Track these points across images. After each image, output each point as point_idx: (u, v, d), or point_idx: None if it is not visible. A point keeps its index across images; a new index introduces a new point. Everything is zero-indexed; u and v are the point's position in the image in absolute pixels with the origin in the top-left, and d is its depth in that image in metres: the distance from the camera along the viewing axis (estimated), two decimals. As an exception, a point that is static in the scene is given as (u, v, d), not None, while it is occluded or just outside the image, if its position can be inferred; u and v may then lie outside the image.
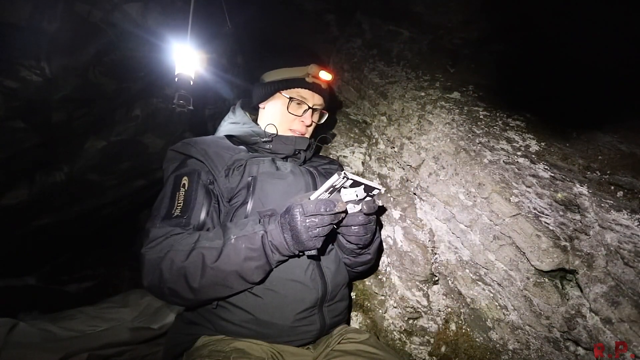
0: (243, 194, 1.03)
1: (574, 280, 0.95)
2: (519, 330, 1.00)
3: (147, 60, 1.72)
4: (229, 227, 0.91)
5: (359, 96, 1.78)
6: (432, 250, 1.25)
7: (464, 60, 1.54)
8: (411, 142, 1.40)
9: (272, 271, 0.93)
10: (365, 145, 1.69)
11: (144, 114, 1.99)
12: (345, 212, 0.87)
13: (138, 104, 1.96)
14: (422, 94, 1.49)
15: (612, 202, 0.94)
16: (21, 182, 1.80)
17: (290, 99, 1.19)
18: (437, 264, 1.22)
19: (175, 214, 0.96)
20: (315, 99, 1.22)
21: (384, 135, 1.55)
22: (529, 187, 1.05)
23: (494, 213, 1.08)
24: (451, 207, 1.19)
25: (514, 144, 1.17)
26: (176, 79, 1.17)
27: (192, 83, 1.19)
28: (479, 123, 1.27)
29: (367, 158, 1.62)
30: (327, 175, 1.20)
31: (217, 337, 0.92)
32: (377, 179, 1.52)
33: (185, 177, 1.02)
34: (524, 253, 1.01)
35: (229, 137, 1.19)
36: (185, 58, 1.19)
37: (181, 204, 0.97)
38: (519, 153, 1.14)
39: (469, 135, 1.24)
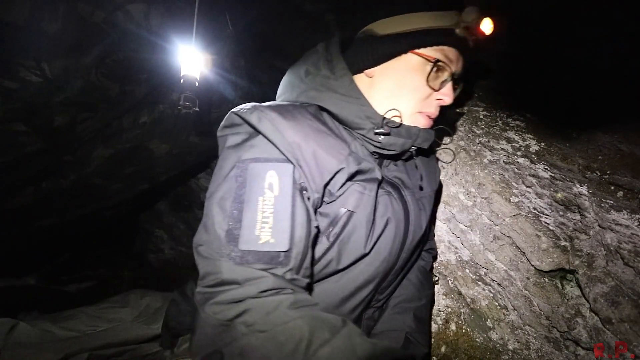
0: (323, 226, 0.69)
1: (574, 280, 0.95)
2: (519, 330, 1.00)
3: (150, 63, 1.71)
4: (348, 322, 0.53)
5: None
6: (432, 250, 1.25)
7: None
8: (411, 142, 1.40)
9: None
10: (365, 145, 1.69)
11: (151, 120, 1.99)
12: None
13: (145, 111, 1.96)
14: (422, 94, 1.49)
15: (612, 202, 0.94)
16: (26, 188, 1.80)
17: (436, 62, 0.74)
18: (437, 264, 1.22)
19: (264, 239, 0.56)
20: (459, 64, 0.79)
21: (384, 136, 1.55)
22: (529, 187, 1.05)
23: (494, 213, 1.08)
24: (451, 207, 1.19)
25: (514, 144, 1.17)
26: (182, 81, 1.18)
27: (197, 84, 1.19)
28: (478, 123, 1.27)
29: (367, 158, 1.62)
30: (420, 207, 0.83)
31: None
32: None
33: (273, 173, 0.61)
34: (524, 253, 1.01)
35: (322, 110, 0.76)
36: (191, 59, 1.19)
37: (269, 222, 0.57)
38: (519, 153, 1.14)
39: (469, 135, 1.24)
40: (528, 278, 0.99)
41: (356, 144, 0.76)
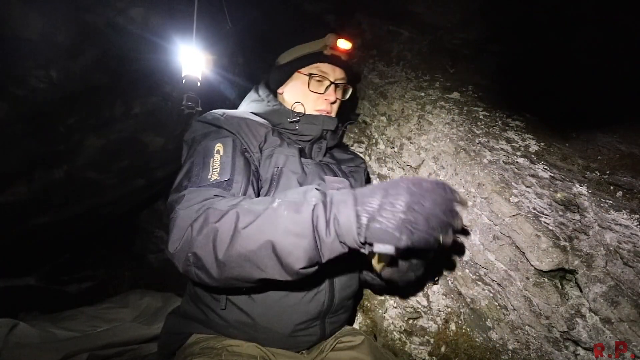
0: (265, 187, 0.94)
1: (573, 280, 0.95)
2: (519, 330, 1.00)
3: (151, 63, 1.73)
4: (280, 194, 0.74)
5: (359, 96, 1.78)
6: (431, 250, 1.25)
7: (463, 60, 1.54)
8: (411, 142, 1.40)
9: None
10: (365, 145, 1.69)
11: (143, 111, 1.99)
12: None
13: (137, 102, 1.96)
14: (422, 94, 1.49)
15: (611, 202, 0.94)
16: (20, 179, 1.81)
17: (311, 75, 1.09)
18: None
19: (213, 178, 0.83)
20: (337, 73, 1.12)
21: (384, 136, 1.55)
22: (529, 187, 1.05)
23: (493, 213, 1.08)
24: (451, 207, 1.19)
25: (514, 144, 1.18)
26: (183, 81, 1.18)
27: (199, 84, 1.19)
28: (478, 123, 1.27)
29: (367, 158, 1.62)
30: (350, 177, 1.13)
31: (209, 335, 0.91)
32: (377, 179, 1.52)
33: (219, 144, 0.89)
34: (523, 253, 1.01)
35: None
36: (192, 60, 1.19)
37: (217, 169, 0.84)
38: (518, 153, 1.14)
39: (469, 136, 1.24)
40: (528, 278, 0.99)
41: (280, 136, 1.04)
